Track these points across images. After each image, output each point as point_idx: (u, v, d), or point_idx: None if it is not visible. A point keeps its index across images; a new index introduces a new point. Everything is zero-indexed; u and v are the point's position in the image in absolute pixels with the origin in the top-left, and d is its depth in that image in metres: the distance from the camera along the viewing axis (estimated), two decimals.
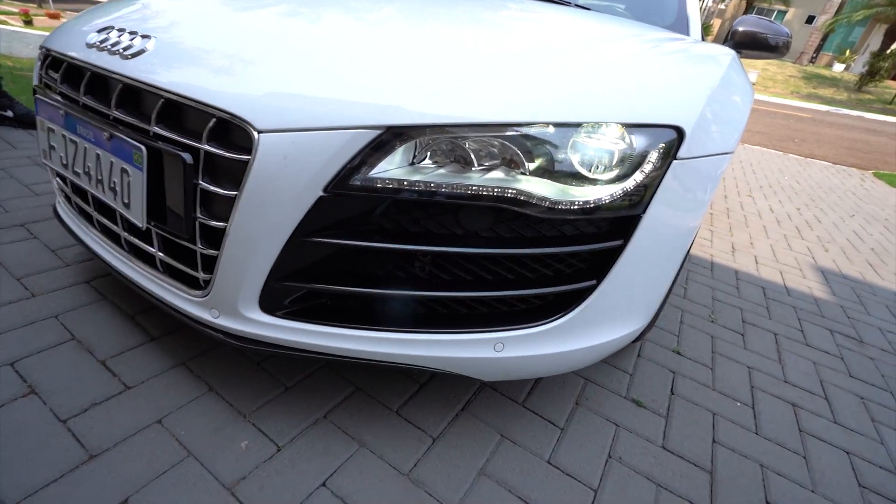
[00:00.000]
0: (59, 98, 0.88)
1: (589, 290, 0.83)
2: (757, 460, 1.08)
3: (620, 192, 0.76)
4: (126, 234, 0.86)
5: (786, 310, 1.87)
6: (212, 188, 0.69)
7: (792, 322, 1.78)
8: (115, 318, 1.10)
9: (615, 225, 0.81)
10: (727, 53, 1.08)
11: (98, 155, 0.80)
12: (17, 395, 0.86)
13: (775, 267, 2.31)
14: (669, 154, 0.79)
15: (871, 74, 15.65)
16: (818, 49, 22.37)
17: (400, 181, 0.69)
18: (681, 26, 1.53)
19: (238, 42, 0.75)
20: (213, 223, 0.71)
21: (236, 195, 0.68)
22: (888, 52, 16.18)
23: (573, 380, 1.22)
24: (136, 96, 0.78)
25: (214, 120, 0.67)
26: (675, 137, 0.79)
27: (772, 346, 1.59)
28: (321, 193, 0.67)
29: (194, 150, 0.69)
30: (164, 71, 0.72)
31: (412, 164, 0.71)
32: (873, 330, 1.84)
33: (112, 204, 0.81)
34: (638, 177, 0.77)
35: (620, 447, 1.04)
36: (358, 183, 0.68)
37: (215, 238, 0.74)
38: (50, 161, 0.93)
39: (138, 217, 0.76)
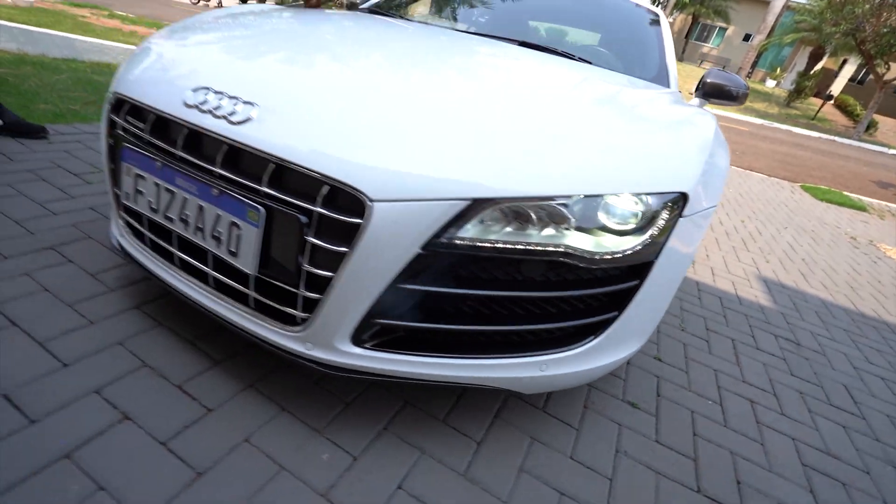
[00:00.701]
0: (152, 148, 0.96)
1: (612, 320, 1.03)
2: (727, 448, 1.34)
3: (640, 244, 0.96)
4: (216, 273, 0.96)
5: (739, 318, 2.20)
6: (323, 244, 0.82)
7: (745, 328, 2.10)
8: (177, 344, 1.18)
9: (635, 269, 1.01)
10: (711, 119, 1.32)
11: (201, 207, 0.89)
12: (114, 420, 0.94)
13: (728, 278, 2.67)
14: (675, 212, 1.00)
15: (798, 92, 17.37)
16: (754, 65, 24.42)
17: (477, 239, 0.85)
18: (662, 78, 1.78)
19: (340, 112, 0.87)
20: (320, 272, 0.84)
21: (347, 251, 0.81)
22: (812, 73, 18.04)
23: (580, 387, 1.43)
24: (242, 157, 0.88)
25: (328, 187, 0.80)
26: (681, 199, 1.00)
27: (731, 350, 1.89)
28: (419, 251, 0.82)
29: (308, 211, 0.82)
30: (275, 139, 0.83)
31: (481, 222, 0.87)
32: (807, 333, 2.21)
33: (214, 250, 0.91)
34: (654, 231, 0.97)
35: (625, 443, 1.26)
36: (446, 241, 0.83)
37: (318, 284, 0.86)
38: (135, 204, 1.00)
39: (248, 266, 0.87)
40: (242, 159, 0.89)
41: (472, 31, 1.82)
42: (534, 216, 0.88)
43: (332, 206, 0.81)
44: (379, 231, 0.79)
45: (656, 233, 0.98)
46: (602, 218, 0.93)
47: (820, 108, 17.23)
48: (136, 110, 1.02)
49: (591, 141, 0.98)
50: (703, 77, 1.85)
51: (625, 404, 1.41)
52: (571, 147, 0.94)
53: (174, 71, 1.04)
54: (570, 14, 2.20)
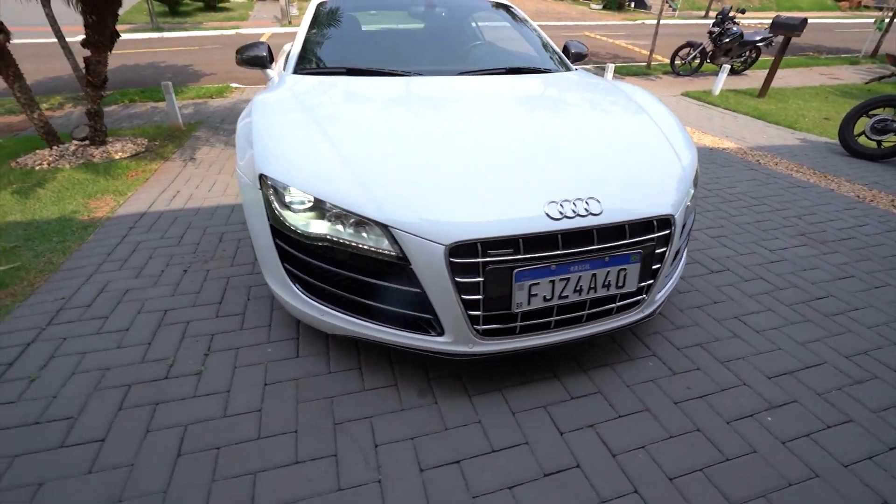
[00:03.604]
0: (536, 260, 1.23)
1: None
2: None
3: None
4: (588, 311, 1.39)
5: None
6: (659, 250, 1.41)
7: None
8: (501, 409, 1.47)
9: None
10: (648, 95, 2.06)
11: (594, 274, 1.30)
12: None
13: None
14: (698, 172, 1.74)
15: None
16: None
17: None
18: (566, 65, 2.47)
19: (629, 178, 1.44)
20: (654, 266, 1.44)
21: (666, 249, 1.41)
22: None
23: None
24: (603, 230, 1.29)
25: (656, 221, 1.37)
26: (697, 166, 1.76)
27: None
28: (678, 227, 1.48)
29: (651, 240, 1.36)
30: (626, 213, 1.32)
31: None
32: None
33: (605, 293, 1.35)
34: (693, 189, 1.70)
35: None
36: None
37: (652, 274, 1.45)
38: (528, 306, 1.28)
39: (633, 286, 1.39)
40: (603, 231, 1.29)
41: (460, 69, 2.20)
42: None
43: (658, 228, 1.39)
44: (675, 231, 1.43)
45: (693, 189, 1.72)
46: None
47: None
48: (474, 242, 1.21)
49: (663, 165, 1.58)
50: (566, 47, 2.61)
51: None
52: (666, 174, 1.55)
53: (507, 201, 1.28)
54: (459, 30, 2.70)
